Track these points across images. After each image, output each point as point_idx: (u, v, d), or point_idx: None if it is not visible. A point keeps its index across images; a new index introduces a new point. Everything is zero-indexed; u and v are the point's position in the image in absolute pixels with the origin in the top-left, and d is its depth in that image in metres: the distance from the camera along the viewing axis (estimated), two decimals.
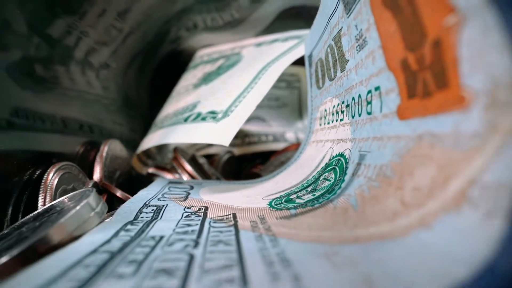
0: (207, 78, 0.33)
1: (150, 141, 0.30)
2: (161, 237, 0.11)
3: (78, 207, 0.12)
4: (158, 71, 0.46)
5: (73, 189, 0.21)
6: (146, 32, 0.39)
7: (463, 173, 0.07)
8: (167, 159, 0.38)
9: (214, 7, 0.39)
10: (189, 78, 0.38)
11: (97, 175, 0.25)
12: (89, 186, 0.22)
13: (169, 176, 0.28)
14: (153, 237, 0.11)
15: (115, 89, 0.38)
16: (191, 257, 0.09)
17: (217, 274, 0.08)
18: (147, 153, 0.34)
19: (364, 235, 0.09)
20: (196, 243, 0.10)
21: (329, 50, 0.18)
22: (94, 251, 0.10)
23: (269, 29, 0.40)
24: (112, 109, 0.37)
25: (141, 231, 0.12)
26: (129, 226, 0.13)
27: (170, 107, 0.33)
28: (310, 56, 0.24)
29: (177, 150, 0.28)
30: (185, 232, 0.12)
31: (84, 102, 0.31)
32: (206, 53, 0.42)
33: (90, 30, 0.29)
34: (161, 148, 0.38)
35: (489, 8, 0.06)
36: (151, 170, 0.29)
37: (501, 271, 0.06)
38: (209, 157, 0.37)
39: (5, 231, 0.15)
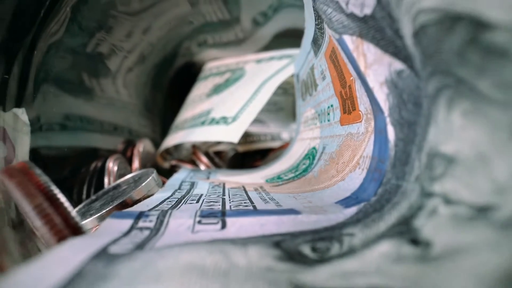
0: (217, 89, 0.41)
1: (173, 140, 0.37)
2: (201, 194, 0.19)
3: (148, 179, 0.20)
4: (173, 80, 0.54)
5: (124, 174, 0.29)
6: (164, 48, 0.47)
7: (359, 152, 0.15)
8: (182, 155, 0.45)
9: (221, 28, 0.47)
10: (201, 88, 0.46)
11: (135, 165, 0.33)
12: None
13: (189, 166, 0.36)
14: (196, 194, 0.19)
15: (138, 97, 0.46)
16: (223, 199, 0.17)
17: (238, 201, 0.15)
18: (167, 150, 0.42)
19: (315, 188, 0.17)
20: (223, 195, 0.18)
21: (308, 75, 0.26)
22: (167, 198, 0.17)
23: (269, 45, 0.48)
24: (136, 113, 0.45)
25: (187, 192, 0.20)
26: (178, 191, 0.21)
27: (187, 113, 0.41)
28: (297, 75, 0.32)
29: (195, 147, 0.36)
30: (214, 193, 0.19)
31: (115, 107, 0.38)
32: (214, 65, 0.49)
33: (123, 46, 0.37)
34: (177, 146, 0.46)
35: (358, 79, 0.14)
36: (174, 162, 0.37)
37: (363, 188, 0.14)
38: (217, 153, 0.45)
39: (93, 197, 0.22)
